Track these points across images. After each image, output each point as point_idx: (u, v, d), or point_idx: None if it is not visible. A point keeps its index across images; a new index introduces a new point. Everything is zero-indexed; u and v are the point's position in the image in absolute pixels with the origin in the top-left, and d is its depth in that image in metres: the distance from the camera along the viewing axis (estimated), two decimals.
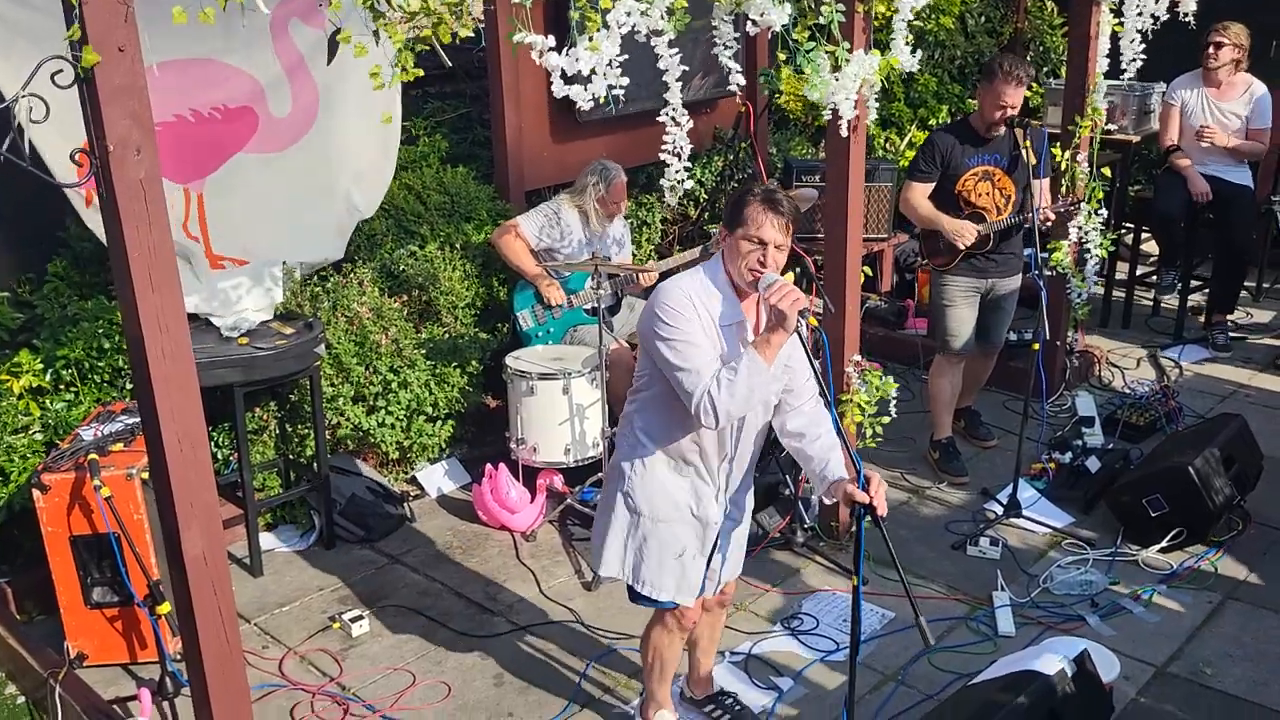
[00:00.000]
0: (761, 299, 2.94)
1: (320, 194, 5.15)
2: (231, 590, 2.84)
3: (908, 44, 3.98)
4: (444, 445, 5.35)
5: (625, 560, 3.25)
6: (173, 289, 2.54)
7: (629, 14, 3.17)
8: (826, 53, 3.77)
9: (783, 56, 3.68)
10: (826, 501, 3.12)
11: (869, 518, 2.84)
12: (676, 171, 3.56)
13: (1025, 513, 4.84)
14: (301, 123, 4.97)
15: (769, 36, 6.67)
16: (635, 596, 3.31)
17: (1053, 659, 3.24)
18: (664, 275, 4.88)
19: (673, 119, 3.49)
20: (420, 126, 6.19)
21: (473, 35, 6.90)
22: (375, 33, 2.72)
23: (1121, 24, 5.20)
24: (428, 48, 2.88)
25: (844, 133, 3.91)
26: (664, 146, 3.55)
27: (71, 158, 2.43)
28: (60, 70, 2.35)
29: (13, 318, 4.64)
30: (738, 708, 3.68)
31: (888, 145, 7.75)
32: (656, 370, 3.05)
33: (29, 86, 2.31)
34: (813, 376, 3.18)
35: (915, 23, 4.03)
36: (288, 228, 5.08)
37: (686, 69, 3.50)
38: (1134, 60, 5.32)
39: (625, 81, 3.19)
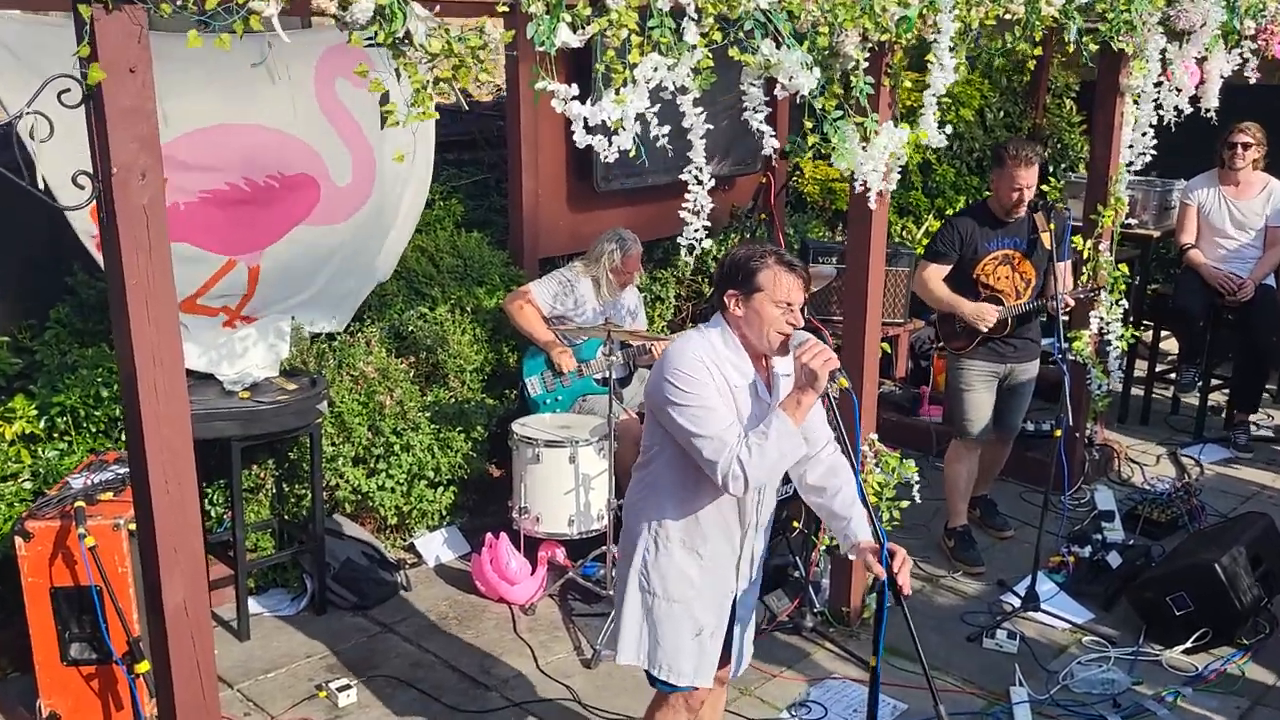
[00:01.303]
0: (793, 357, 2.83)
1: (364, 265, 5.01)
2: (212, 643, 2.68)
3: (936, 119, 3.95)
4: (444, 512, 5.20)
5: (641, 645, 3.08)
6: (171, 321, 2.45)
7: (655, 69, 3.12)
8: (855, 124, 3.73)
9: (809, 124, 3.63)
10: (853, 556, 2.97)
11: (890, 594, 2.69)
12: (696, 230, 3.48)
13: (1044, 606, 4.65)
14: (362, 191, 4.80)
15: (789, 109, 6.75)
16: (653, 680, 3.13)
17: None
18: None
19: (695, 178, 3.42)
20: (436, 191, 6.15)
21: (493, 101, 6.93)
22: (396, 71, 2.66)
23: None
24: (447, 95, 2.82)
25: (872, 204, 3.85)
26: (684, 205, 3.47)
27: (74, 180, 2.35)
28: (68, 89, 2.29)
29: (10, 363, 4.55)
30: None
31: (904, 233, 7.71)
32: (667, 439, 2.92)
33: (34, 104, 2.25)
34: (826, 423, 3.06)
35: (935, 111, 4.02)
36: (320, 295, 4.96)
37: (710, 128, 3.44)
38: (1143, 154, 5.30)
39: (666, 130, 3.14)
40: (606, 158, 3.13)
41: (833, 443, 3.07)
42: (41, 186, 2.36)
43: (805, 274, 2.91)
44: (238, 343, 4.60)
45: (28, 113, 2.25)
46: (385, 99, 2.72)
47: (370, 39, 2.58)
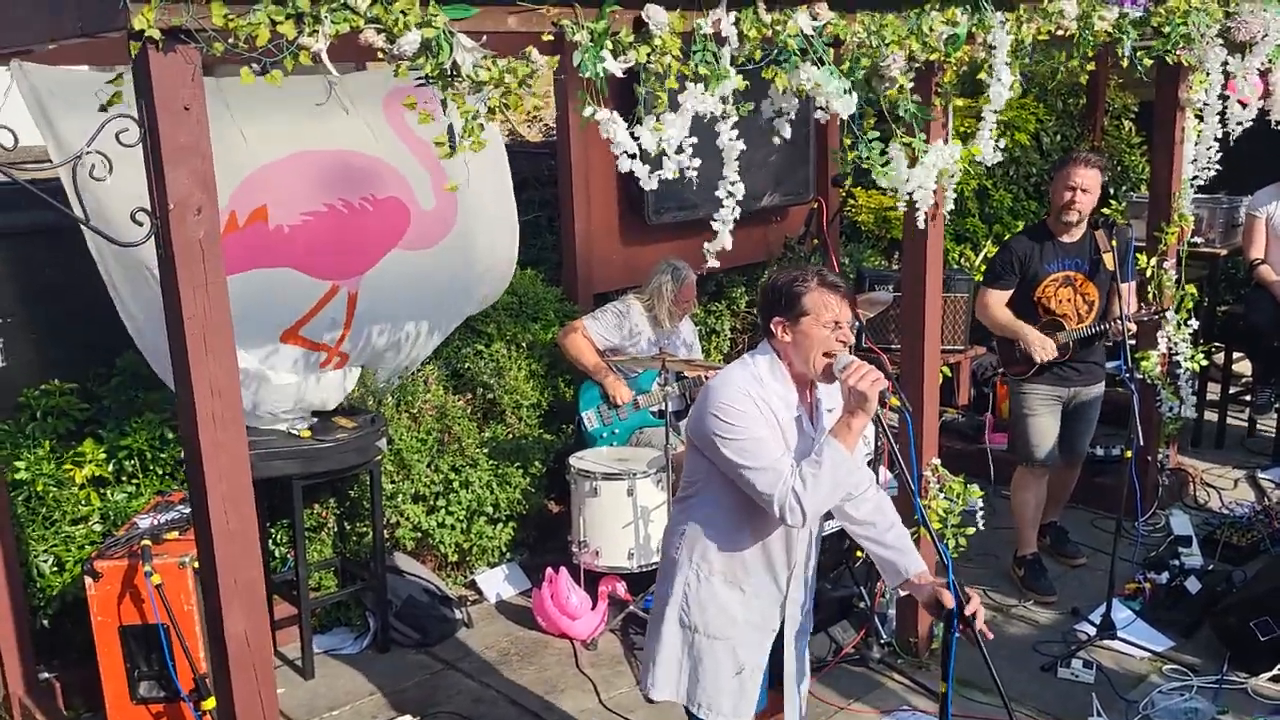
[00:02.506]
0: (840, 382, 2.78)
1: (458, 294, 4.93)
2: (273, 675, 2.69)
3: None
4: (504, 549, 5.19)
5: (680, 681, 3.01)
6: (228, 353, 2.48)
7: (695, 98, 3.13)
8: (903, 144, 3.70)
9: (848, 141, 3.61)
10: (903, 592, 2.89)
11: (960, 628, 2.62)
12: (719, 238, 3.40)
13: (1120, 634, 4.50)
14: (448, 217, 4.71)
15: (840, 133, 6.72)
16: (692, 717, 3.07)
17: None
18: None
19: (728, 191, 3.37)
20: None
21: (543, 141, 6.99)
22: (443, 103, 2.69)
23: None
24: (499, 119, 2.84)
25: (920, 223, 3.81)
26: (714, 218, 3.40)
27: (132, 217, 2.40)
28: (125, 129, 2.34)
29: (80, 408, 4.64)
30: None
31: (962, 260, 7.62)
32: (712, 473, 2.86)
33: (92, 144, 2.31)
34: (865, 463, 3.01)
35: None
36: (415, 329, 4.89)
37: (743, 148, 3.40)
38: (1207, 168, 5.20)
39: (698, 163, 3.13)
40: (646, 185, 3.12)
41: (874, 482, 3.02)
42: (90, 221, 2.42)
43: (849, 291, 2.87)
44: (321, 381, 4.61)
45: (88, 152, 2.30)
46: (450, 132, 2.73)
47: (418, 71, 2.62)
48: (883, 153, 3.61)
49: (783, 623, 3.01)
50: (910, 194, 3.71)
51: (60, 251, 4.79)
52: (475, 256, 4.86)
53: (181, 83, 2.30)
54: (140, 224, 2.39)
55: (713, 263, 3.38)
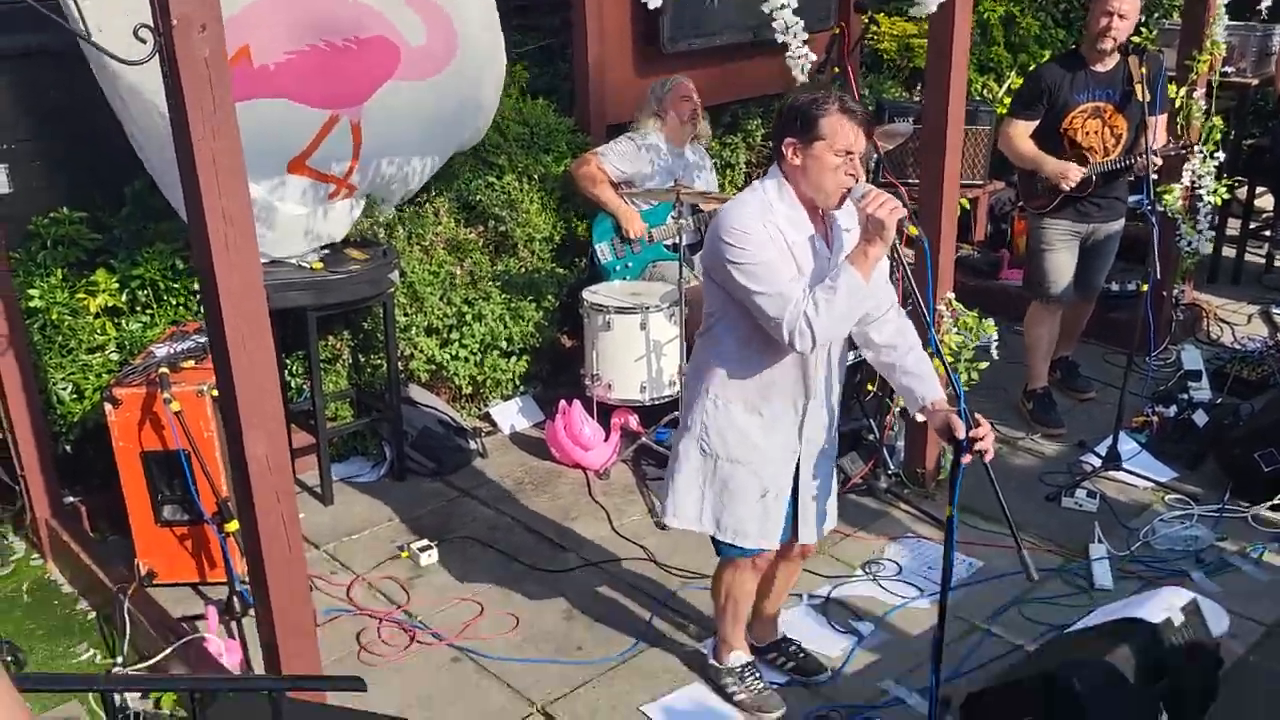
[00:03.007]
0: (857, 210, 2.73)
1: (461, 121, 4.95)
2: (294, 497, 2.75)
3: None
4: (517, 382, 5.24)
5: (703, 510, 3.07)
6: (239, 177, 2.43)
7: None
8: None
9: None
10: (919, 418, 2.91)
11: (969, 456, 2.64)
12: (797, 48, 3.28)
13: (1125, 466, 4.57)
14: (444, 51, 4.72)
15: None
16: (719, 545, 3.14)
17: (1159, 607, 3.02)
18: None
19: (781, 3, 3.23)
20: None
21: None
22: None
23: None
24: None
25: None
26: (778, 35, 3.27)
27: (135, 33, 2.32)
28: None
29: (91, 238, 4.61)
30: (802, 655, 3.50)
31: (985, 91, 7.41)
32: (728, 303, 2.85)
33: None
34: (889, 283, 2.98)
35: None
36: (421, 161, 4.91)
37: None
38: None
39: None
40: (652, 5, 2.98)
41: (897, 305, 3.00)
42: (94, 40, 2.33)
43: (869, 121, 2.79)
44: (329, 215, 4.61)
45: None
46: None
47: None
48: None
49: (802, 448, 3.04)
50: None
51: (64, 74, 4.67)
52: (476, 87, 4.84)
53: None
54: (143, 41, 2.31)
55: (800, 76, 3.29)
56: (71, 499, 4.33)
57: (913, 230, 2.70)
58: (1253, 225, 6.82)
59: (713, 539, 3.14)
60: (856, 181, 2.73)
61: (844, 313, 2.70)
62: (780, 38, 3.29)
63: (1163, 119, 4.73)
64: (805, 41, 3.27)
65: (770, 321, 2.73)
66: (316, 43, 4.36)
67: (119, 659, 3.65)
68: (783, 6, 3.24)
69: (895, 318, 2.97)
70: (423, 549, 4.14)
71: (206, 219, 2.42)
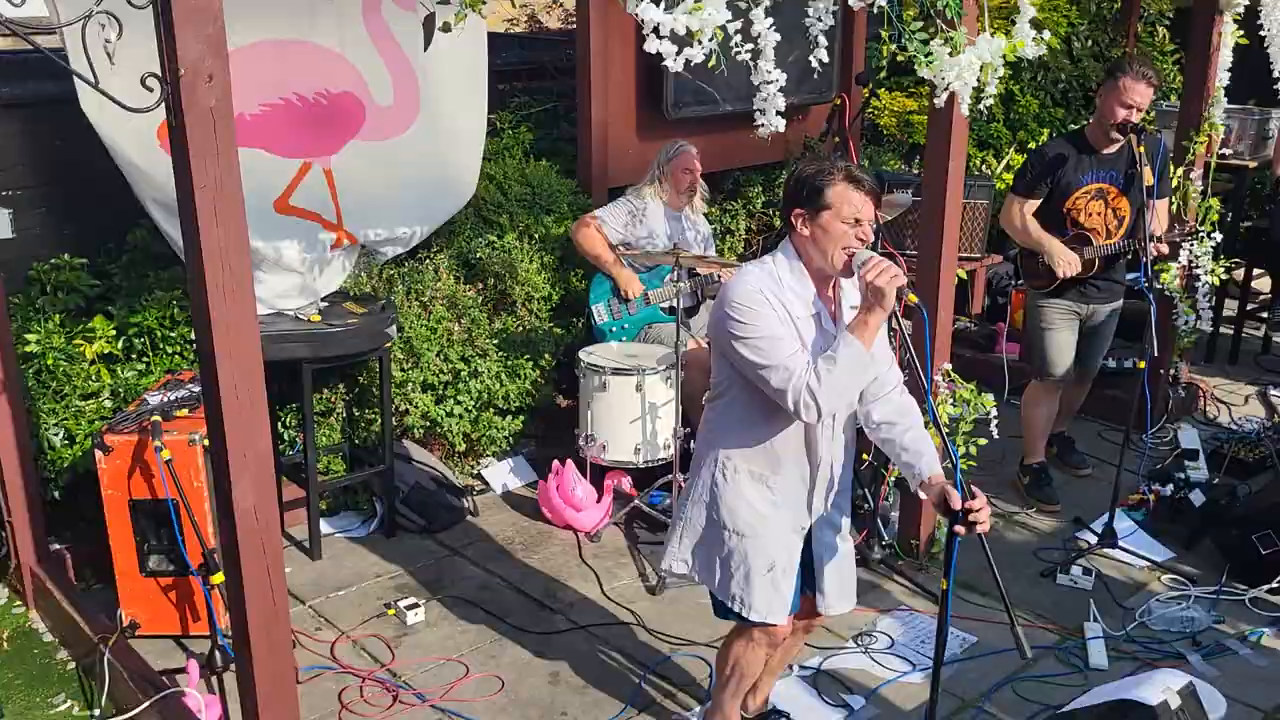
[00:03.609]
0: (858, 277, 2.74)
1: (435, 183, 5.05)
2: (281, 550, 2.71)
3: (1032, 34, 3.77)
4: (512, 440, 5.22)
5: (713, 573, 3.04)
6: (238, 224, 2.43)
7: None
8: (944, 38, 3.58)
9: (886, 34, 3.50)
10: (921, 495, 2.89)
11: (964, 529, 2.62)
12: (770, 116, 3.32)
13: (1121, 544, 4.53)
14: (408, 112, 4.88)
15: (865, 27, 6.55)
16: (723, 611, 3.08)
17: (1156, 690, 2.97)
18: None
19: (765, 79, 3.27)
20: (506, 120, 6.10)
21: (561, 30, 6.83)
22: None
23: (1247, 37, 4.91)
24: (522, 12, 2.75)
25: (965, 111, 3.70)
26: (755, 103, 3.31)
27: (142, 82, 2.33)
28: None
29: (90, 284, 4.63)
30: None
31: (984, 166, 7.49)
32: (734, 374, 2.86)
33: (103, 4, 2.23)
34: (894, 363, 2.99)
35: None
36: (403, 215, 4.99)
37: (779, 38, 3.31)
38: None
39: (748, 48, 3.03)
40: (673, 67, 3.02)
41: (901, 385, 3.00)
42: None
43: (875, 188, 2.81)
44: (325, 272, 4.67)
45: (97, 12, 2.23)
46: (431, 17, 2.65)
47: None
48: (924, 43, 3.50)
49: (813, 522, 3.02)
50: (949, 85, 3.59)
51: (69, 124, 4.69)
52: (447, 144, 5.01)
53: None
54: (150, 89, 2.33)
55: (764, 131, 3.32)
56: (57, 546, 4.28)
57: (911, 299, 2.71)
58: (1250, 306, 6.84)
59: (715, 602, 3.10)
60: (863, 246, 2.75)
61: (846, 383, 2.70)
62: (758, 108, 3.33)
63: (1164, 203, 4.75)
64: (780, 113, 3.31)
65: (777, 393, 2.73)
66: (289, 96, 4.53)
67: (96, 711, 3.59)
68: (770, 82, 3.28)
69: (898, 397, 2.98)
70: (410, 607, 4.08)
71: (205, 266, 2.42)
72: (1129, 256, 4.69)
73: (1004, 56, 3.65)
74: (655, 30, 2.92)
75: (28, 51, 4.72)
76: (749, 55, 3.25)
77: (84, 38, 2.27)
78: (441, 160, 5.03)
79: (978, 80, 3.65)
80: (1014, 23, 3.83)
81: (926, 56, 3.55)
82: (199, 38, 2.29)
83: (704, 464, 3.02)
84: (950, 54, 3.55)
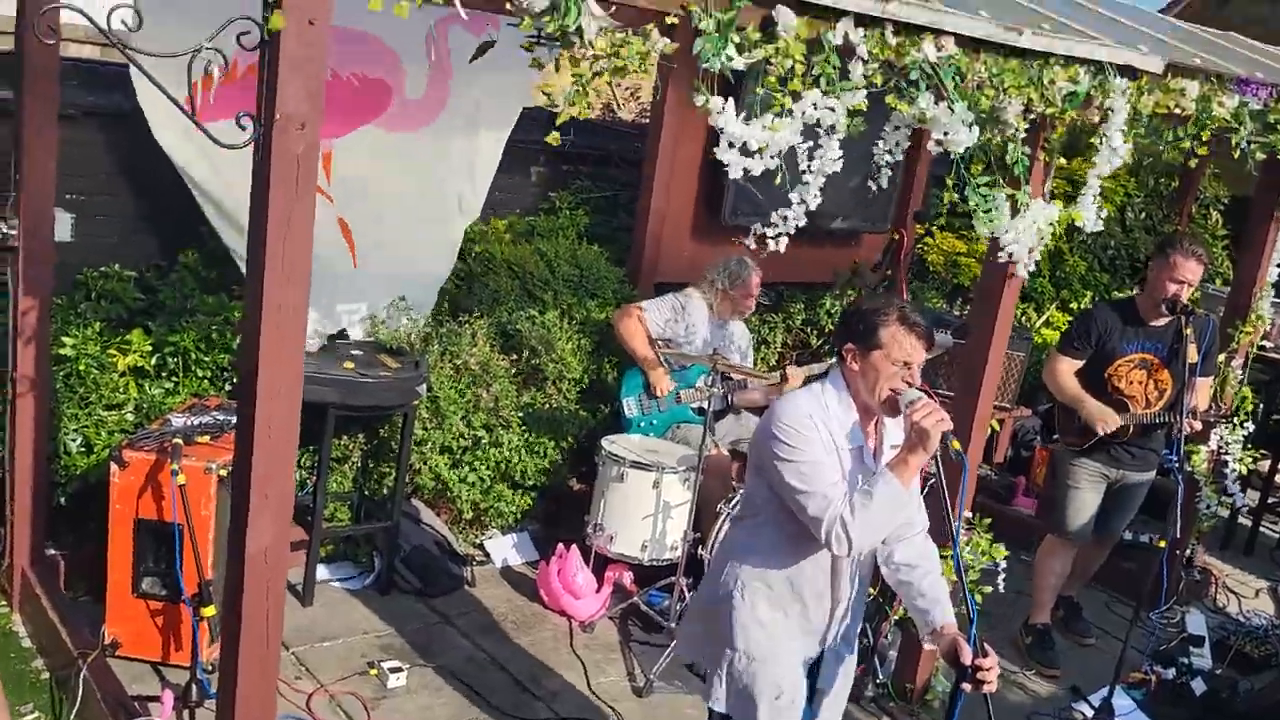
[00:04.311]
0: (904, 416, 2.74)
1: (437, 187, 5.22)
2: (284, 595, 2.68)
3: (1097, 205, 3.84)
4: (519, 516, 5.19)
5: (724, 690, 2.96)
6: (303, 269, 2.47)
7: (815, 105, 3.09)
8: (1006, 194, 3.64)
9: (950, 182, 3.56)
10: (928, 645, 2.85)
11: (970, 686, 2.58)
12: (778, 230, 3.39)
13: None
14: (432, 109, 5.03)
15: (928, 169, 6.65)
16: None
17: None
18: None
19: (800, 199, 3.35)
20: (565, 200, 6.20)
21: (633, 122, 6.96)
22: (555, 62, 2.67)
23: None
24: (604, 85, 2.81)
25: (1023, 271, 3.76)
26: (775, 221, 3.39)
27: (237, 121, 2.39)
28: (248, 31, 2.33)
29: (134, 298, 4.67)
30: None
31: (1024, 318, 7.53)
32: (770, 498, 2.84)
33: (214, 41, 2.30)
34: (922, 508, 2.97)
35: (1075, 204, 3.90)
36: (410, 225, 5.15)
37: (838, 170, 3.38)
38: None
39: (814, 165, 3.11)
40: (734, 174, 3.09)
41: (926, 529, 2.99)
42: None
43: (929, 335, 2.82)
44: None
45: (208, 49, 2.29)
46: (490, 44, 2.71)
47: (539, 29, 2.59)
48: (985, 198, 3.56)
49: (823, 652, 2.99)
50: (1004, 244, 3.66)
51: (140, 138, 4.81)
52: (458, 153, 5.21)
53: None
54: (244, 128, 2.38)
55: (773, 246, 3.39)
56: (54, 551, 4.25)
57: (955, 445, 2.71)
58: (1271, 500, 6.79)
59: (712, 715, 3.04)
60: (910, 387, 2.75)
61: (881, 520, 2.68)
62: (777, 221, 3.41)
63: (1207, 382, 4.75)
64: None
65: (812, 522, 2.71)
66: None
67: None
68: (803, 203, 3.36)
69: (921, 540, 2.96)
70: (393, 669, 4.02)
71: (264, 306, 2.44)
72: (1165, 429, 4.67)
73: (1060, 223, 3.72)
74: (731, 143, 3.00)
75: (110, 62, 4.86)
76: (807, 171, 3.35)
77: (190, 70, 2.33)
78: (453, 169, 5.19)
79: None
80: (1073, 184, 3.91)
81: (987, 213, 3.62)
82: (300, 87, 2.35)
83: (721, 578, 2.97)
84: (1013, 214, 3.62)
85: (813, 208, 3.42)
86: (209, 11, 2.42)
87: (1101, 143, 3.75)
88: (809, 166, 3.34)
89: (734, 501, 4.56)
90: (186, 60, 2.33)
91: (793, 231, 3.46)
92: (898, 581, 2.94)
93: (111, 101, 4.72)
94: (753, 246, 3.49)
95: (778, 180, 3.08)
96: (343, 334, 5.03)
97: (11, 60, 3.84)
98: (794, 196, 3.39)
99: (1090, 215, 3.79)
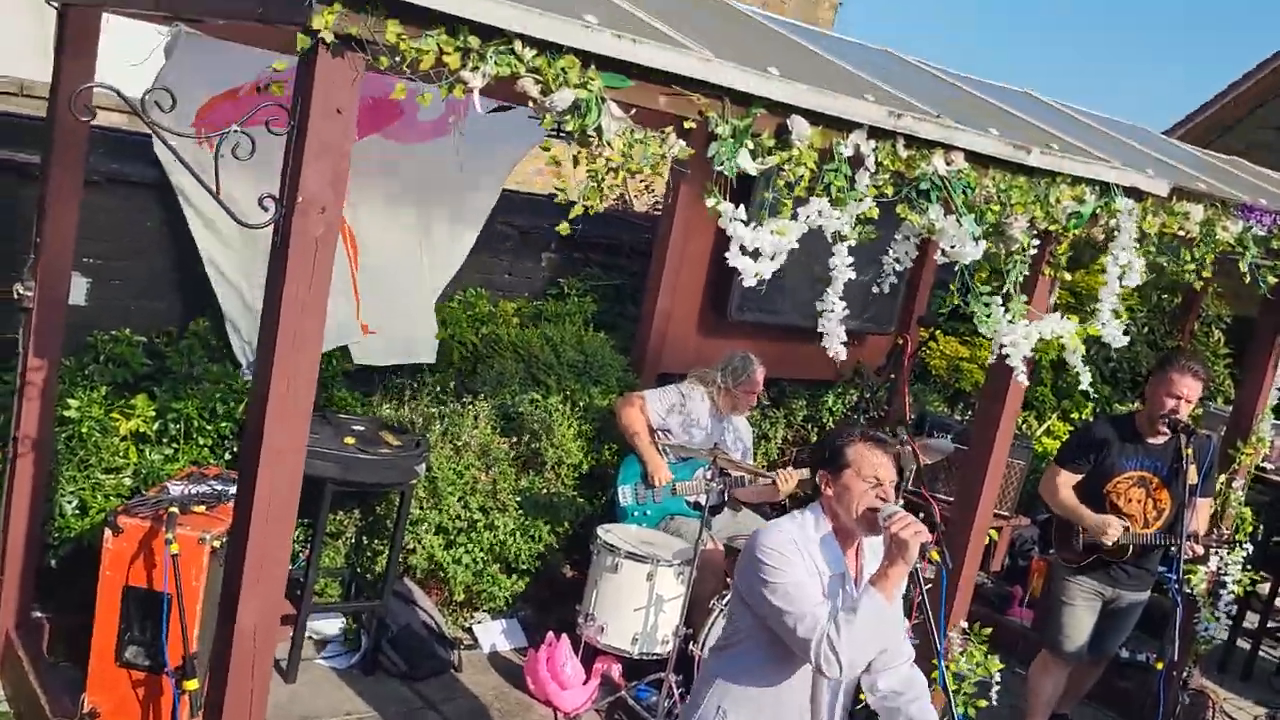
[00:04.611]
0: (882, 531, 2.76)
1: (440, 202, 5.36)
2: (270, 674, 2.66)
3: (1121, 322, 3.89)
4: (511, 600, 5.14)
5: None
6: (313, 352, 2.50)
7: (820, 213, 3.15)
8: (1004, 306, 3.69)
9: (954, 286, 3.61)
10: None
11: None
12: (836, 339, 3.42)
13: None
14: (439, 127, 5.10)
15: (933, 274, 6.73)
16: None
17: None
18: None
19: (830, 307, 3.39)
20: (574, 286, 6.27)
21: (645, 213, 7.07)
22: (575, 158, 2.73)
23: None
24: (613, 193, 2.87)
25: (1022, 380, 3.79)
26: (820, 326, 3.43)
27: (259, 202, 2.44)
28: (276, 117, 2.40)
29: (142, 362, 4.70)
30: None
31: (1025, 427, 7.54)
32: (753, 626, 2.85)
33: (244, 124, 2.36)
34: (907, 638, 2.98)
35: (1077, 316, 3.96)
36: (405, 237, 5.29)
37: (853, 276, 3.43)
38: None
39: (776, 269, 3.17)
40: (748, 282, 3.13)
41: (912, 658, 3.00)
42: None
43: (894, 451, 2.89)
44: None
45: (237, 131, 2.35)
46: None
47: (559, 124, 2.65)
48: (986, 305, 3.61)
49: None
50: (1004, 349, 3.69)
51: (162, 208, 4.91)
52: (439, 188, 5.32)
53: (341, 86, 2.35)
54: (265, 209, 2.43)
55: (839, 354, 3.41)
56: (40, 614, 4.22)
57: (934, 555, 2.72)
58: (1270, 624, 6.71)
59: None
60: (883, 504, 2.78)
61: (867, 636, 2.67)
62: (822, 330, 3.45)
63: (1206, 502, 4.74)
64: (844, 343, 3.41)
65: (798, 644, 2.71)
66: None
67: None
68: (830, 311, 3.41)
69: (907, 669, 2.97)
70: None
71: (272, 380, 2.47)
72: (1164, 550, 4.64)
73: (1075, 336, 3.76)
74: (741, 247, 3.05)
75: (136, 132, 4.96)
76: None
77: (217, 152, 2.39)
78: (432, 206, 5.34)
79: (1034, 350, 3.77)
80: (1076, 297, 3.96)
81: (988, 316, 3.67)
82: (324, 172, 2.41)
83: (701, 710, 2.96)
84: (1010, 320, 3.66)
85: (840, 315, 3.47)
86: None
87: (1111, 261, 3.81)
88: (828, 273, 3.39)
89: (726, 599, 4.52)
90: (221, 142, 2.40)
91: (845, 338, 3.49)
92: (885, 708, 2.94)
93: (136, 169, 4.81)
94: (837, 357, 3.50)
95: (767, 277, 3.13)
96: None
97: (35, 124, 3.93)
98: (819, 305, 3.45)
99: (1114, 331, 3.85)
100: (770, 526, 2.90)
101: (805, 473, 5.12)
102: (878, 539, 2.83)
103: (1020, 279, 3.68)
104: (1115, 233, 3.77)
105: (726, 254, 3.10)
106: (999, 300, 3.64)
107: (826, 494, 2.88)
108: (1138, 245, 3.84)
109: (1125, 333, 3.97)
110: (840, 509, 2.84)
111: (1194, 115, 11.83)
